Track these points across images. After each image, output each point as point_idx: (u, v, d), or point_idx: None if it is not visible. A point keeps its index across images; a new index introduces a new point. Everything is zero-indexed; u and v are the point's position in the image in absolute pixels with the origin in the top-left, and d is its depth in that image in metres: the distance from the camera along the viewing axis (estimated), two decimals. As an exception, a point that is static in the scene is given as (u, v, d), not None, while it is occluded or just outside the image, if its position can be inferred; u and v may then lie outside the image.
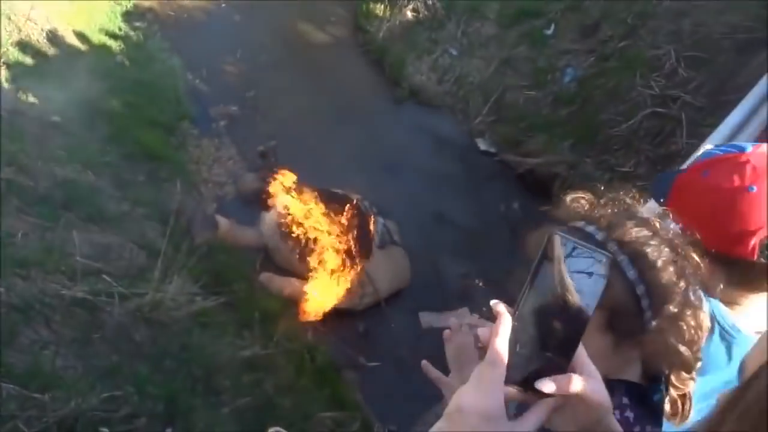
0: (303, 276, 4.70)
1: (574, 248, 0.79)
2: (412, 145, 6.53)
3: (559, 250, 0.79)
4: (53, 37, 5.50)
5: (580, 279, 0.79)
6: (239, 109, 5.96)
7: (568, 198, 1.13)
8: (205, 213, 4.69)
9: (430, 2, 7.56)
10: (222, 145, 5.56)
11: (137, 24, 6.61)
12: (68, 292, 3.37)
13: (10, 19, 5.14)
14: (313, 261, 4.69)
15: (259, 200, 5.17)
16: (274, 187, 5.11)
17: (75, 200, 4.13)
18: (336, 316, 4.68)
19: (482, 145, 6.61)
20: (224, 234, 4.70)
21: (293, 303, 4.55)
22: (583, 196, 1.11)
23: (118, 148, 4.89)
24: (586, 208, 1.09)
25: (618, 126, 6.03)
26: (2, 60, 4.61)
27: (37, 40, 5.29)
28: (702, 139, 4.01)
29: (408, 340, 4.74)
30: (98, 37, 5.99)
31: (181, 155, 5.28)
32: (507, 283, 5.28)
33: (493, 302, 0.89)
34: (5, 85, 4.62)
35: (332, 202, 4.98)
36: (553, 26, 7.23)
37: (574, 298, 0.79)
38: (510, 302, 0.86)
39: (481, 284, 5.28)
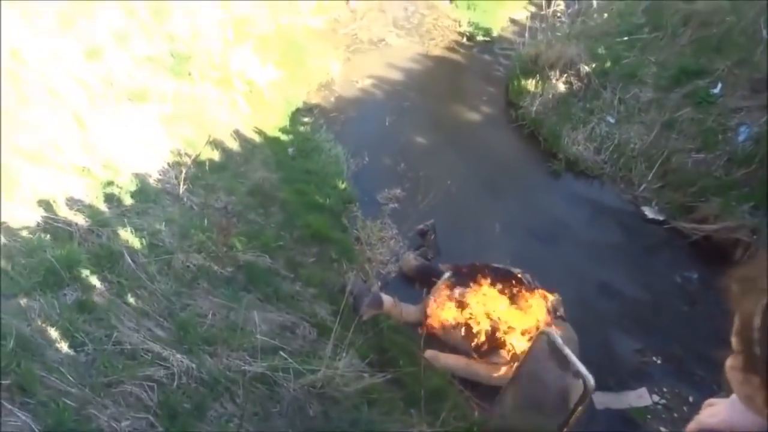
0: (467, 353, 4.67)
1: None
2: (572, 216, 6.37)
3: None
4: (236, 135, 6.18)
5: None
6: (401, 191, 6.21)
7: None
8: (370, 291, 4.86)
9: (583, 73, 7.50)
10: (385, 225, 5.80)
11: (305, 119, 7.24)
12: (250, 368, 3.62)
13: (201, 125, 5.87)
14: (479, 338, 4.65)
15: (421, 277, 5.28)
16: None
17: (254, 282, 4.49)
18: (503, 394, 4.56)
19: (649, 213, 6.29)
20: (388, 311, 4.83)
21: (459, 380, 4.52)
22: None
23: (290, 232, 5.28)
24: None
25: (808, 185, 5.48)
26: (197, 159, 5.24)
27: (222, 140, 5.96)
28: None
29: (581, 421, 4.47)
30: (273, 133, 6.63)
31: (347, 237, 5.56)
32: (689, 360, 4.86)
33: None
34: (200, 181, 5.23)
35: (494, 277, 4.95)
36: (719, 84, 6.85)
37: None
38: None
39: (659, 361, 4.90)
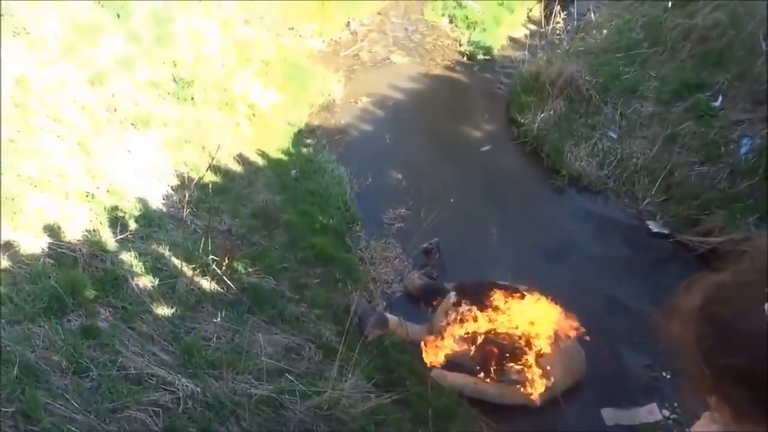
0: (475, 372, 4.63)
1: None
2: (577, 232, 6.35)
3: None
4: (239, 158, 6.21)
5: None
6: (405, 210, 6.21)
7: None
8: (375, 311, 4.85)
9: (583, 89, 7.53)
10: (388, 245, 5.80)
11: (308, 141, 7.28)
12: (255, 390, 3.61)
13: (204, 148, 5.91)
14: (485, 356, 4.61)
15: (426, 297, 5.26)
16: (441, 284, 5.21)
17: (259, 304, 4.48)
18: (511, 412, 4.52)
19: (654, 226, 6.26)
20: (394, 331, 4.81)
21: (467, 399, 4.48)
22: None
23: (294, 253, 5.28)
24: None
25: (812, 195, 5.45)
26: (200, 182, 5.26)
27: (225, 163, 5.99)
28: None
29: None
30: (276, 155, 6.66)
31: (351, 257, 5.56)
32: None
33: None
34: (203, 204, 5.25)
35: (500, 294, 4.92)
36: (720, 97, 6.86)
37: None
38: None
39: (668, 377, 4.85)
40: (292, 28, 8.61)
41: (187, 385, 3.41)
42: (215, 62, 6.95)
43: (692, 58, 7.50)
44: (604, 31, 8.78)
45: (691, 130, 6.77)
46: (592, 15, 9.29)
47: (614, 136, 7.17)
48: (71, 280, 3.67)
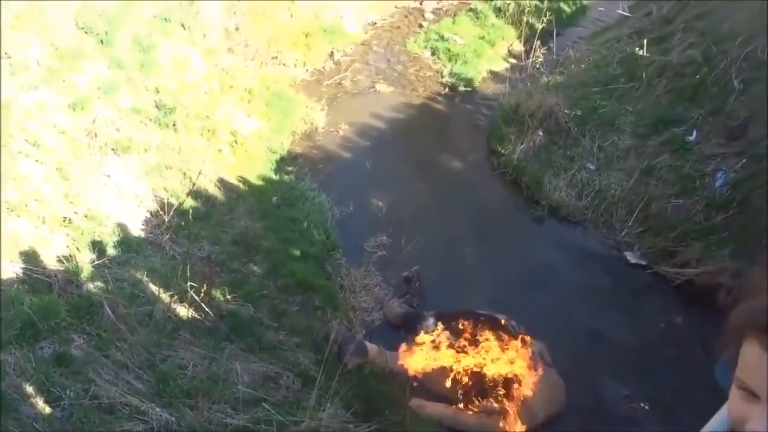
0: (454, 401, 4.60)
1: None
2: (556, 262, 6.40)
3: None
4: (221, 185, 6.19)
5: None
6: (387, 238, 6.21)
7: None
8: (354, 339, 4.81)
9: (562, 122, 7.66)
10: (369, 272, 5.78)
11: (289, 168, 7.28)
12: (232, 420, 3.55)
13: (185, 175, 5.88)
14: (464, 386, 4.59)
15: (406, 325, 5.24)
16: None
17: (237, 331, 4.43)
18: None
19: (632, 257, 6.33)
20: (373, 359, 4.77)
21: (446, 429, 4.45)
22: None
23: (274, 281, 5.24)
24: None
25: (785, 228, 5.56)
26: (180, 208, 5.22)
27: (206, 189, 5.97)
28: None
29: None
30: (257, 182, 6.65)
31: (331, 285, 5.53)
32: (676, 406, 4.83)
33: None
34: (183, 230, 5.21)
35: (479, 323, 4.92)
36: (695, 132, 7.03)
37: None
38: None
39: (646, 407, 4.86)
40: (276, 57, 8.68)
41: (161, 415, 3.34)
42: (198, 89, 6.97)
43: (667, 93, 7.70)
44: (582, 66, 9.00)
45: (667, 163, 6.91)
46: (571, 51, 9.52)
47: (592, 167, 7.28)
48: (45, 307, 3.60)
